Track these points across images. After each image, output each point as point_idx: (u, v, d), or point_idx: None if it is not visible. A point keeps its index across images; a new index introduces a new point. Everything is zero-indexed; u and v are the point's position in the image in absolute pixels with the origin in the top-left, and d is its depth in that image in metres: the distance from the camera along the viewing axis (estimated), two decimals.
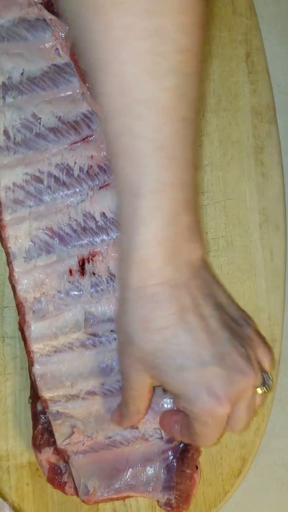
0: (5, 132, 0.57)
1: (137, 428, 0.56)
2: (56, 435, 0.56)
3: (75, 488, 0.56)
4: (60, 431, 0.55)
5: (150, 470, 0.56)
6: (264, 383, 0.49)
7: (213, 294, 0.48)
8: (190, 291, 0.46)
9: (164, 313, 0.45)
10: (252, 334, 0.50)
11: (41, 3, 0.58)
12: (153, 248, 0.44)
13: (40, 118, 0.58)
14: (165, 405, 0.56)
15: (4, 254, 0.57)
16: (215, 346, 0.46)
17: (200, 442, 0.49)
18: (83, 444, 0.56)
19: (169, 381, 0.47)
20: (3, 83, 0.58)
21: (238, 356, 0.47)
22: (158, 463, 0.56)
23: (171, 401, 0.56)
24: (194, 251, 0.47)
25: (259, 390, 0.49)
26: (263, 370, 0.49)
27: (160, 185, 0.44)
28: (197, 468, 0.55)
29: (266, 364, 0.50)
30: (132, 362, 0.48)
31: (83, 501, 0.55)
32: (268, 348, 0.52)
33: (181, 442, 0.56)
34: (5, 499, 0.58)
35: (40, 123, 0.58)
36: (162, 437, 0.56)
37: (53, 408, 0.55)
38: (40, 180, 0.57)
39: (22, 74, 0.58)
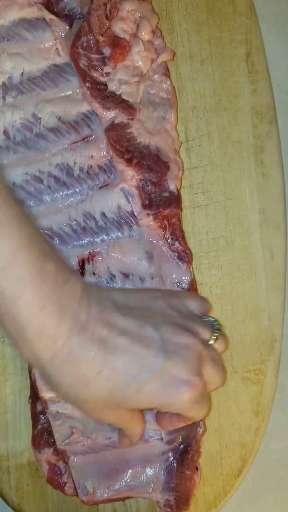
0: (5, 132, 0.57)
1: None
2: (56, 436, 0.56)
3: (75, 488, 0.56)
4: (59, 431, 0.55)
5: (150, 471, 0.56)
6: (212, 331, 0.50)
7: (115, 302, 0.48)
8: (96, 321, 0.45)
9: (90, 359, 0.44)
10: (169, 293, 0.50)
11: (41, 3, 0.58)
12: (39, 315, 0.42)
13: (40, 118, 0.58)
14: None
15: None
16: (150, 346, 0.46)
17: (199, 419, 0.50)
18: (82, 445, 0.56)
19: (140, 404, 0.47)
20: (3, 83, 0.58)
21: (174, 336, 0.47)
22: (158, 464, 0.56)
23: None
24: (74, 288, 0.45)
25: (211, 341, 0.50)
26: (200, 322, 0.50)
27: (11, 256, 0.42)
28: (197, 469, 0.55)
29: (197, 310, 0.51)
30: (98, 413, 0.47)
31: (83, 502, 0.55)
32: (193, 294, 0.53)
33: (181, 443, 0.56)
34: (5, 499, 0.58)
35: (40, 123, 0.58)
36: (162, 438, 0.56)
37: (52, 408, 0.55)
38: (40, 180, 0.57)
39: (22, 74, 0.58)
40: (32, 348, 0.43)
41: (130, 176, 0.56)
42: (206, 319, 0.52)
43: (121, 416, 0.48)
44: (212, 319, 0.52)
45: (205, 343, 0.49)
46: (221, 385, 0.51)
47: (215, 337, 0.50)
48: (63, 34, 0.58)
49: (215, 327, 0.51)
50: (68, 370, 0.44)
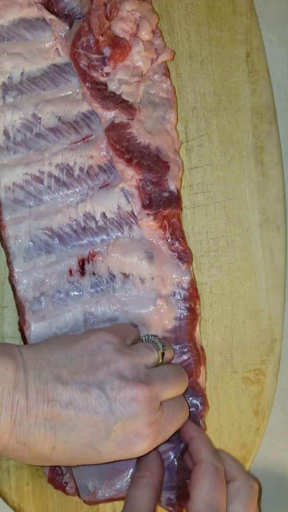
0: (5, 132, 0.57)
1: None
2: None
3: (76, 488, 0.55)
4: None
5: None
6: (157, 349, 0.52)
7: (56, 366, 0.47)
8: (37, 402, 0.45)
9: (40, 441, 0.45)
10: (105, 331, 0.51)
11: (41, 3, 0.58)
12: None
13: (40, 118, 0.58)
14: None
15: (4, 254, 0.57)
16: (98, 410, 0.46)
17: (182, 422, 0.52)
18: None
19: (103, 461, 0.48)
20: (3, 83, 0.58)
21: (119, 392, 0.47)
22: None
23: None
24: (4, 376, 0.45)
25: (159, 360, 0.52)
26: (143, 348, 0.51)
27: None
28: None
29: (134, 337, 0.53)
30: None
31: (85, 502, 0.55)
32: (121, 324, 0.55)
33: (181, 442, 0.56)
34: (5, 499, 0.58)
35: (40, 123, 0.58)
36: None
37: None
38: (40, 180, 0.57)
39: (22, 74, 0.58)
40: None
41: (130, 176, 0.56)
42: (147, 339, 0.54)
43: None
44: (152, 337, 0.54)
45: (153, 368, 0.51)
46: (186, 378, 0.53)
47: (161, 354, 0.52)
48: (63, 34, 0.58)
49: (157, 344, 0.53)
50: (23, 454, 0.45)
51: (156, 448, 0.52)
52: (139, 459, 0.53)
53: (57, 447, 0.46)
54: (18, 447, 0.45)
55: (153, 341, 0.53)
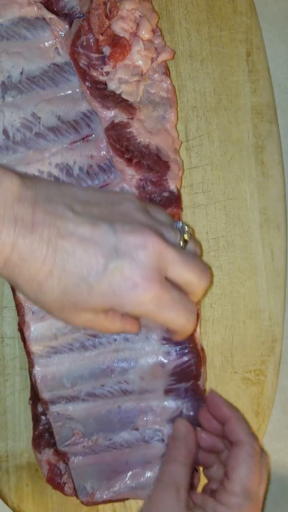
0: (5, 132, 0.57)
1: (137, 429, 0.56)
2: (57, 438, 0.55)
3: (74, 489, 0.55)
4: (60, 433, 0.55)
5: (150, 473, 0.55)
6: (180, 233, 0.48)
7: (71, 198, 0.46)
8: (44, 222, 0.43)
9: (40, 260, 0.43)
10: (127, 197, 0.49)
11: (40, 2, 0.58)
12: None
13: (39, 118, 0.57)
14: (166, 405, 0.56)
15: None
16: (102, 245, 0.44)
17: (181, 327, 0.48)
18: (83, 446, 0.55)
19: (93, 304, 0.45)
20: (3, 82, 0.57)
21: (129, 234, 0.45)
22: (158, 466, 0.55)
23: (173, 401, 0.56)
24: (8, 189, 0.43)
25: (180, 243, 0.48)
26: (167, 225, 0.48)
27: None
28: (196, 470, 0.55)
29: (165, 218, 0.50)
30: (63, 315, 0.46)
31: (82, 503, 0.55)
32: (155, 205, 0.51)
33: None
34: (5, 499, 0.58)
35: (39, 122, 0.57)
36: (163, 440, 0.56)
37: (53, 409, 0.55)
38: None
39: (21, 73, 0.58)
40: None
41: (130, 176, 0.56)
42: (175, 224, 0.50)
43: (90, 319, 0.46)
44: (181, 224, 0.50)
45: (172, 245, 0.47)
46: (206, 283, 0.49)
47: (185, 240, 0.49)
48: (62, 33, 0.58)
49: (184, 231, 0.50)
50: (21, 273, 0.43)
51: (193, 427, 0.53)
52: (174, 435, 0.53)
53: (55, 272, 0.43)
54: (18, 263, 0.43)
55: (179, 227, 0.50)
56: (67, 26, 0.58)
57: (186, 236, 0.49)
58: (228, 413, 0.52)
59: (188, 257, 0.47)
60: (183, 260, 0.47)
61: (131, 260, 0.44)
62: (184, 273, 0.47)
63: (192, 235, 0.50)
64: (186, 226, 0.50)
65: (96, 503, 0.56)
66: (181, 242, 0.49)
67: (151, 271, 0.45)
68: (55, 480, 0.57)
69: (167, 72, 0.60)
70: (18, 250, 0.43)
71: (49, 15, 0.57)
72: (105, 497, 0.55)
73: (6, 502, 0.58)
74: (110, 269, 0.44)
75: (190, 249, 0.50)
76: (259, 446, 0.51)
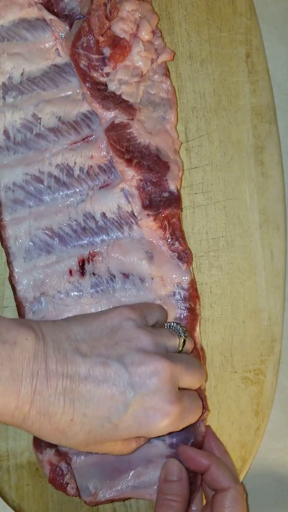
0: (5, 132, 0.57)
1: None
2: None
3: (77, 489, 0.55)
4: None
5: (152, 472, 0.55)
6: (179, 337, 0.52)
7: (75, 340, 0.47)
8: (57, 373, 0.45)
9: (59, 412, 0.44)
10: (131, 308, 0.51)
11: (41, 3, 0.58)
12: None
13: (40, 118, 0.58)
14: None
15: (4, 254, 0.57)
16: (117, 383, 0.46)
17: (195, 420, 0.51)
18: None
19: (120, 438, 0.47)
20: (3, 83, 0.58)
21: (140, 366, 0.47)
22: (160, 465, 0.55)
23: None
24: (25, 348, 0.44)
25: (179, 347, 0.52)
26: (166, 332, 0.51)
27: None
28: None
29: (160, 318, 0.53)
30: (89, 449, 0.48)
31: (85, 503, 0.55)
32: (151, 304, 0.54)
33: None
34: (5, 499, 0.58)
35: (40, 123, 0.58)
36: (164, 441, 0.56)
37: None
38: (40, 180, 0.57)
39: (22, 74, 0.58)
40: (4, 421, 0.44)
41: (130, 176, 0.56)
42: (169, 325, 0.54)
43: (112, 447, 0.49)
44: (174, 323, 0.54)
45: (174, 352, 0.51)
46: (201, 382, 0.53)
47: (183, 342, 0.52)
48: (63, 34, 0.58)
49: (180, 331, 0.53)
50: (43, 426, 0.45)
51: (187, 472, 0.53)
52: (166, 477, 0.53)
53: (75, 419, 0.45)
54: (38, 418, 0.44)
55: (175, 328, 0.53)
56: (67, 27, 0.58)
57: (183, 337, 0.53)
58: (205, 463, 0.53)
59: (189, 365, 0.51)
60: (187, 371, 0.50)
61: (148, 390, 0.47)
62: (190, 381, 0.50)
63: (185, 332, 0.54)
64: (179, 326, 0.54)
65: (99, 503, 0.56)
66: (180, 345, 0.52)
67: (169, 394, 0.47)
68: (57, 481, 0.57)
69: (167, 73, 0.60)
70: (36, 407, 0.44)
71: (49, 16, 0.58)
72: (108, 496, 0.55)
73: (6, 501, 0.58)
74: (130, 405, 0.46)
75: (187, 349, 0.54)
76: (242, 487, 0.52)
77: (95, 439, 0.47)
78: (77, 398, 0.45)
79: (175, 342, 0.52)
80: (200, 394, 0.56)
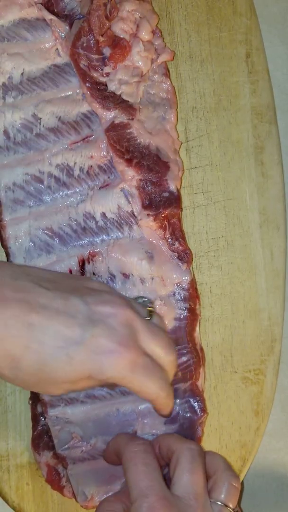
0: (5, 132, 0.57)
1: (136, 432, 0.56)
2: (55, 441, 0.55)
3: (73, 493, 0.56)
4: (59, 437, 0.55)
5: None
6: (144, 305, 0.51)
7: (38, 277, 0.47)
8: (15, 300, 0.44)
9: (15, 336, 0.44)
10: (92, 279, 0.51)
11: (41, 3, 0.58)
12: None
13: (40, 118, 0.58)
14: None
15: (4, 254, 0.57)
16: (76, 316, 0.46)
17: (155, 395, 0.49)
18: (82, 451, 0.55)
19: (73, 374, 0.46)
20: (3, 83, 0.58)
21: (100, 304, 0.47)
22: None
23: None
24: None
25: (147, 315, 0.51)
26: (132, 299, 0.51)
27: None
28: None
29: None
30: (43, 389, 0.47)
31: (82, 506, 0.56)
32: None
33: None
34: (5, 499, 0.58)
35: (40, 123, 0.58)
36: None
37: (52, 413, 0.55)
38: (40, 180, 0.57)
39: (22, 74, 0.58)
40: None
41: (130, 176, 0.57)
42: (138, 299, 0.54)
43: (69, 388, 0.47)
44: (143, 298, 0.54)
45: (140, 316, 0.50)
46: (173, 358, 0.51)
47: (150, 311, 0.51)
48: (63, 35, 0.58)
49: (147, 304, 0.53)
50: None
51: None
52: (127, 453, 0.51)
53: (31, 346, 0.44)
54: None
55: (143, 302, 0.53)
56: (67, 27, 0.58)
57: (150, 308, 0.52)
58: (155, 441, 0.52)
59: (154, 328, 0.50)
60: (150, 331, 0.49)
61: (105, 327, 0.46)
62: (151, 343, 0.49)
63: (152, 307, 0.53)
64: (147, 299, 0.54)
65: (95, 507, 0.56)
66: (147, 314, 0.52)
67: (125, 337, 0.47)
68: (54, 481, 0.57)
69: (167, 73, 0.60)
70: None
71: (49, 16, 0.58)
72: None
73: (6, 501, 0.58)
74: (87, 337, 0.46)
75: (156, 322, 0.52)
76: (193, 443, 0.51)
77: (49, 374, 0.45)
78: (35, 325, 0.44)
79: (141, 308, 0.51)
80: (199, 396, 0.56)
